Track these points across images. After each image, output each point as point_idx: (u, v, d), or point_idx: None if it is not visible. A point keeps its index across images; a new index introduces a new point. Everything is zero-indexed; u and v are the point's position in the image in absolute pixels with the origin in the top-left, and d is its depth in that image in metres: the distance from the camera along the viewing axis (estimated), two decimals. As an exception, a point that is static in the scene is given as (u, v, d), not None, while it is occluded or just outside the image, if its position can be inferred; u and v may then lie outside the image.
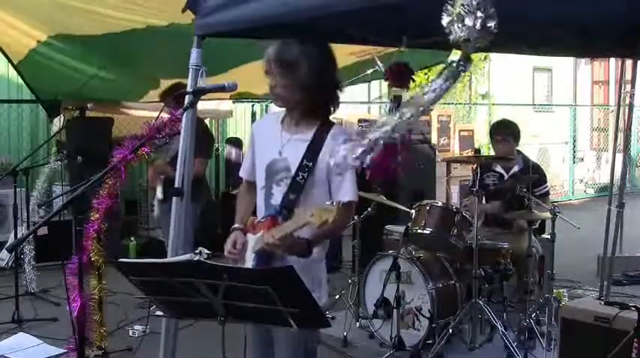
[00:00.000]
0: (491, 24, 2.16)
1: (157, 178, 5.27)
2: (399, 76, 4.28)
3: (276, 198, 2.67)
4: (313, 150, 2.64)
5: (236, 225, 2.80)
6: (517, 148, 5.28)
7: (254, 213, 2.84)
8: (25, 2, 5.03)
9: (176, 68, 4.96)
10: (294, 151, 2.67)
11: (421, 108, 2.30)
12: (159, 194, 5.18)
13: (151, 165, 5.69)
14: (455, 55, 2.31)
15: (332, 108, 2.75)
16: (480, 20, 2.13)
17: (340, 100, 2.75)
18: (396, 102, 4.53)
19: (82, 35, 5.24)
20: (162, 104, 5.28)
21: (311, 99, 2.65)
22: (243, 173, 2.94)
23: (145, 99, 7.33)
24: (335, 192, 2.66)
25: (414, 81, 4.35)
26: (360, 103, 11.37)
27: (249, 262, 2.66)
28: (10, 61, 6.42)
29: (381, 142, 2.31)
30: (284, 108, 2.75)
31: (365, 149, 2.33)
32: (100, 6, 4.58)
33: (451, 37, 2.21)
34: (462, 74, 2.27)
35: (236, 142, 8.88)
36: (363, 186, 5.24)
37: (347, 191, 2.64)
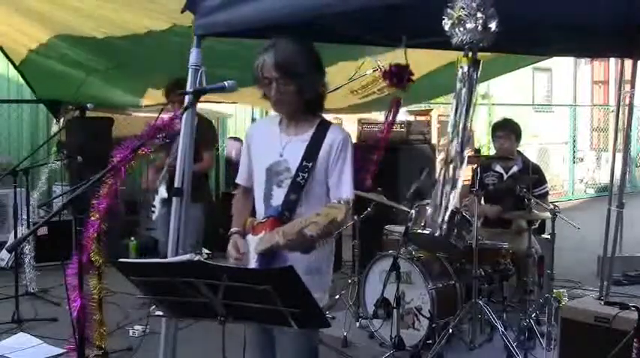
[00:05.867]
0: (492, 24, 2.17)
1: (158, 177, 5.27)
2: (397, 76, 4.28)
3: (277, 199, 2.68)
4: (312, 151, 2.66)
5: (234, 229, 2.81)
6: (517, 149, 5.29)
7: (252, 216, 2.85)
8: (28, 3, 5.03)
9: (176, 74, 4.96)
10: (294, 152, 2.68)
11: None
12: (163, 193, 5.09)
13: (151, 167, 5.68)
14: (463, 63, 2.32)
15: (323, 103, 2.76)
16: (480, 21, 2.14)
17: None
18: (396, 105, 4.54)
19: (83, 37, 5.24)
20: (159, 106, 5.30)
21: (309, 97, 2.66)
22: (239, 179, 2.93)
23: (144, 104, 7.36)
24: (333, 189, 2.67)
25: (412, 82, 4.34)
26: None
27: (252, 263, 2.67)
28: (11, 61, 6.42)
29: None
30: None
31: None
32: (102, 7, 4.57)
33: (453, 41, 2.22)
34: (475, 79, 2.28)
35: (237, 141, 8.87)
36: (362, 186, 5.28)
37: (346, 188, 2.66)
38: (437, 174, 2.42)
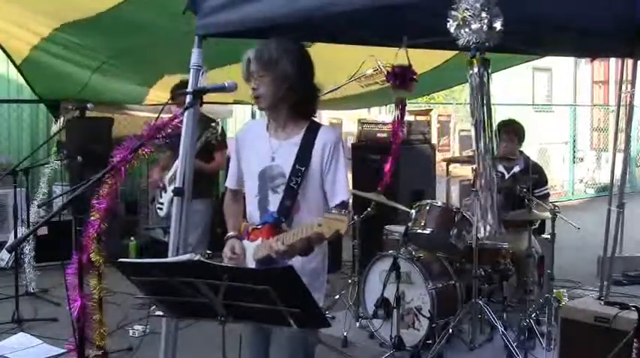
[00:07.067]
0: (497, 23, 2.17)
1: (162, 176, 5.30)
2: (402, 77, 4.26)
3: (273, 205, 2.67)
4: (304, 154, 2.64)
5: (230, 233, 2.81)
6: (520, 149, 5.29)
7: (243, 218, 2.85)
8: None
9: (179, 65, 4.92)
10: (286, 156, 2.67)
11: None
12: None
13: (155, 166, 5.68)
14: (474, 64, 2.31)
15: (315, 109, 2.75)
16: (485, 21, 2.13)
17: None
18: (400, 105, 4.53)
19: (88, 18, 5.12)
20: (160, 106, 5.28)
21: (295, 95, 2.65)
22: (229, 183, 2.93)
23: (145, 102, 7.34)
24: (329, 192, 2.67)
25: (416, 81, 4.32)
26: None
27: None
28: (12, 61, 6.40)
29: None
30: (267, 114, 2.74)
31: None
32: None
33: (460, 42, 2.21)
34: (487, 79, 2.27)
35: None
36: (362, 186, 5.28)
37: (341, 191, 2.65)
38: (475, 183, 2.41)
